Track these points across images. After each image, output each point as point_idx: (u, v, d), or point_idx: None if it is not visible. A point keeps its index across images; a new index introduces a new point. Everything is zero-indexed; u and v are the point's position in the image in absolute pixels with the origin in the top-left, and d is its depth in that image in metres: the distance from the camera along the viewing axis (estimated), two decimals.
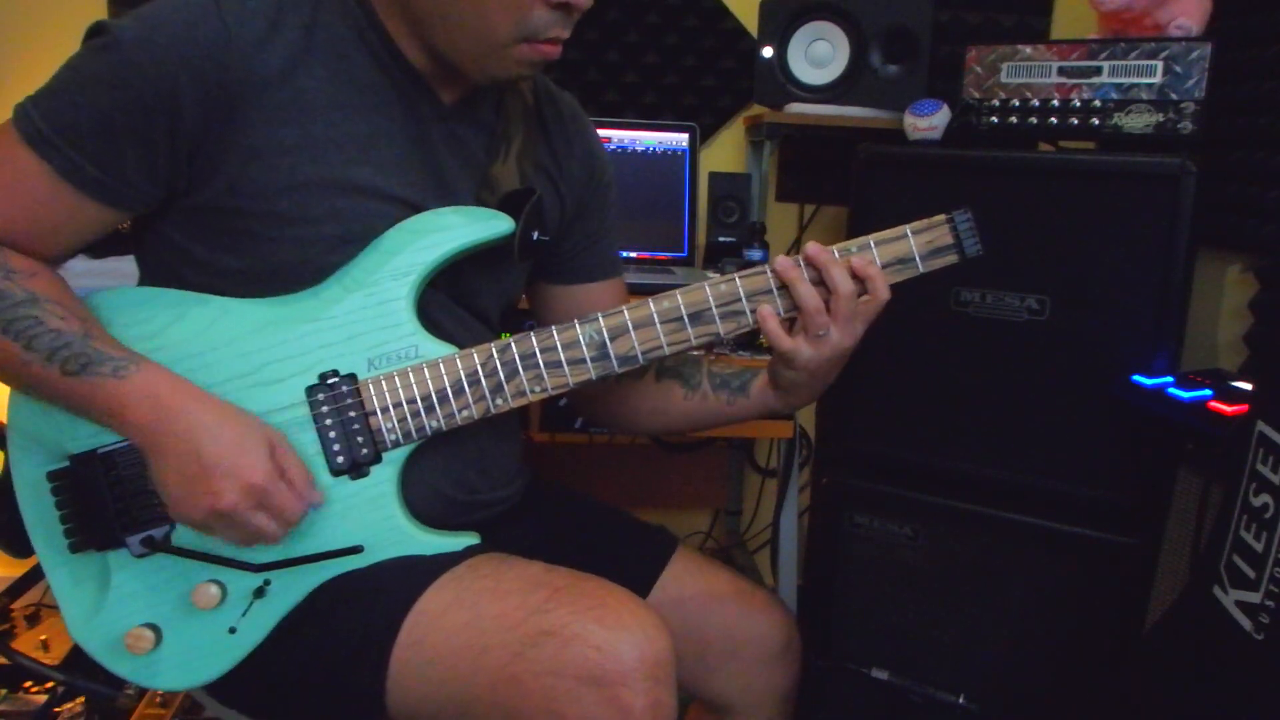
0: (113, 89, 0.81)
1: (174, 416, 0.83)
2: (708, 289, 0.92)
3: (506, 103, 1.01)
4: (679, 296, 0.92)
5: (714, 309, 0.92)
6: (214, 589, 0.88)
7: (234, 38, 0.83)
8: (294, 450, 0.87)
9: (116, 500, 0.88)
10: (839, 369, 0.97)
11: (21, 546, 0.93)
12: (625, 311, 0.92)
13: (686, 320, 0.93)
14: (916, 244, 0.92)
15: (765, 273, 0.92)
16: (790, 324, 0.93)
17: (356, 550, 0.90)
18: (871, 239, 0.92)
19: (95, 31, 0.83)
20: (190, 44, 0.81)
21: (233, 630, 0.89)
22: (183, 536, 0.90)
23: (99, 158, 0.83)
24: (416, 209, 0.92)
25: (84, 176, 0.84)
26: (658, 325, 0.93)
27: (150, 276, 0.94)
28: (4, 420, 0.92)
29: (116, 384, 0.83)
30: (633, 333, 0.92)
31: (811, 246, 0.91)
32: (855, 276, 0.90)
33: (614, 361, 0.92)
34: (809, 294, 0.90)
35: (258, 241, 0.88)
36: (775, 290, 0.92)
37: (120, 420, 0.84)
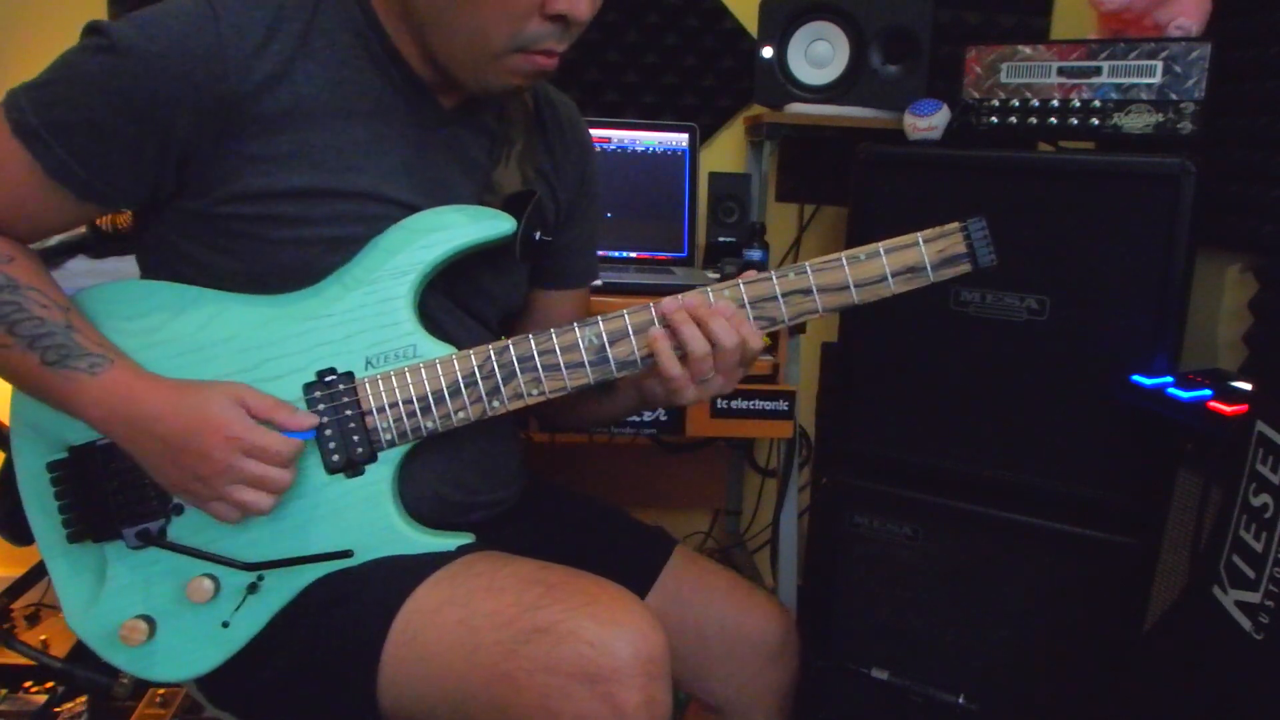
0: (106, 95, 0.81)
1: (140, 405, 0.83)
2: (710, 294, 0.92)
3: (507, 107, 1.01)
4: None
5: None
6: (208, 583, 0.88)
7: (229, 47, 0.82)
8: (263, 394, 0.86)
9: (115, 492, 0.89)
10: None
11: (22, 535, 0.93)
12: (626, 315, 0.92)
13: None
14: (928, 252, 0.90)
15: (770, 278, 0.91)
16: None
17: (346, 555, 0.90)
18: (881, 246, 0.90)
19: (92, 30, 0.82)
20: (186, 55, 0.81)
21: (225, 625, 0.90)
22: (178, 531, 0.90)
23: (87, 159, 0.83)
24: (417, 211, 0.92)
25: (70, 175, 0.84)
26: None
27: (150, 273, 0.94)
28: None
29: (90, 380, 0.83)
30: (633, 337, 0.92)
31: (692, 297, 0.89)
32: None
33: (613, 365, 0.92)
34: (694, 337, 0.88)
35: (257, 245, 0.88)
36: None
37: (87, 415, 0.85)
